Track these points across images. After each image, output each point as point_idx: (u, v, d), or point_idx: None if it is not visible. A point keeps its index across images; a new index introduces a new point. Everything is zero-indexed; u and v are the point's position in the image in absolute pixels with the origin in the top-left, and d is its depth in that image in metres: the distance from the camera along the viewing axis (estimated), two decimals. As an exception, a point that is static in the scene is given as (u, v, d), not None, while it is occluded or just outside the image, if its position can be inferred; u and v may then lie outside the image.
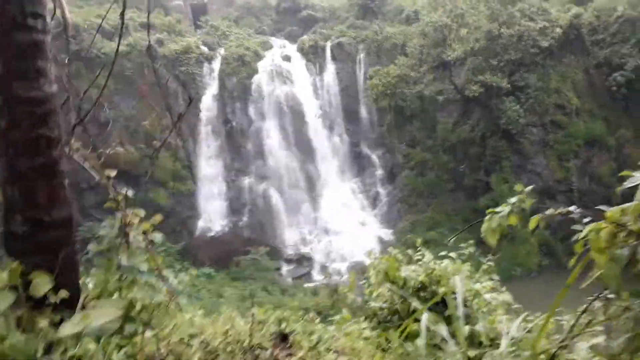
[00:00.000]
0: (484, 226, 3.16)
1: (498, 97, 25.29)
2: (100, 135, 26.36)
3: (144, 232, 3.45)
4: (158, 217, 3.50)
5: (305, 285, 24.12)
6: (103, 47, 26.86)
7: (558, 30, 25.08)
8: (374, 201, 30.89)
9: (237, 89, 29.99)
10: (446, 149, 29.03)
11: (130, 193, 3.27)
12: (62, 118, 2.97)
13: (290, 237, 28.56)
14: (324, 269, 27.16)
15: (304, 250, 28.05)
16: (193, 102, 29.46)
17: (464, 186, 28.23)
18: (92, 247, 3.38)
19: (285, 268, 26.80)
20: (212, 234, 27.37)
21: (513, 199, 2.89)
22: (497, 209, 3.41)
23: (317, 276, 26.61)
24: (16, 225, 2.84)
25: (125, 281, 3.35)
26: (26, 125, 2.77)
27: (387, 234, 28.80)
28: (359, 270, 25.15)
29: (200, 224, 28.19)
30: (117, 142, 26.21)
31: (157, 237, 3.65)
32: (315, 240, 28.87)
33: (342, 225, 28.97)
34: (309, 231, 29.28)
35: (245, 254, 24.54)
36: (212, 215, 28.63)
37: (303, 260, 27.31)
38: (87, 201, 26.04)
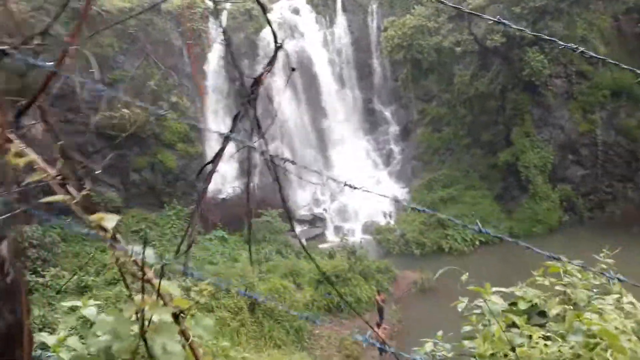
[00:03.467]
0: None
1: (520, 47, 24.64)
2: (104, 97, 26.35)
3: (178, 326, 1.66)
4: (184, 302, 1.71)
5: (320, 246, 24.43)
6: (104, 4, 26.48)
7: (585, -28, 24.11)
8: (387, 159, 30.81)
9: (244, 45, 29.57)
10: (463, 102, 28.60)
11: (157, 262, 1.64)
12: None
13: (302, 197, 28.76)
14: (337, 229, 27.45)
15: (317, 210, 28.29)
16: (198, 59, 29.18)
17: (481, 142, 27.95)
18: None
19: (298, 229, 27.13)
20: (223, 196, 27.63)
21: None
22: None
23: (331, 237, 26.93)
24: None
25: None
26: None
27: (401, 192, 28.84)
28: (374, 230, 25.35)
29: (211, 186, 28.39)
30: (121, 103, 26.21)
31: (206, 327, 1.89)
32: (328, 200, 29.05)
33: (355, 184, 29.03)
34: (321, 191, 29.43)
35: (258, 217, 24.80)
36: (223, 177, 28.83)
37: (316, 220, 27.59)
38: (96, 164, 26.29)
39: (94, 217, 1.62)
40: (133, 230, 24.27)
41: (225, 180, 28.70)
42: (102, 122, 25.56)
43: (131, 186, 26.84)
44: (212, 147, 29.05)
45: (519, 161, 25.09)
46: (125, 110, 25.78)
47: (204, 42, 29.34)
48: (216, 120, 29.39)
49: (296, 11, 31.52)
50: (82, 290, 17.41)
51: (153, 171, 27.11)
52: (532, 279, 3.10)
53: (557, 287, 2.88)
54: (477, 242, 23.56)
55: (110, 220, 1.62)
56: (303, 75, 30.28)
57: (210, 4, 30.19)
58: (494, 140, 27.47)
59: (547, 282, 3.00)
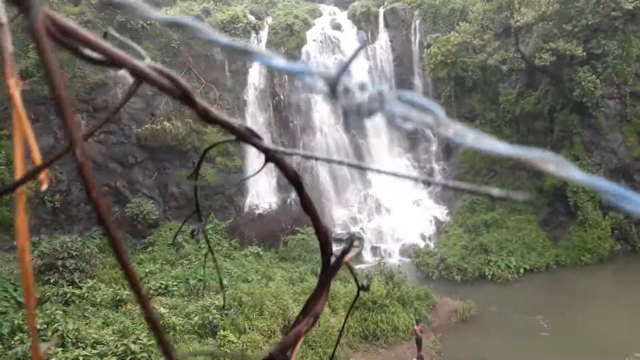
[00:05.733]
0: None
1: (570, 66, 24.08)
2: (146, 109, 27.18)
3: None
4: None
5: (357, 267, 24.26)
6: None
7: (644, -11, 23.39)
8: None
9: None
10: (508, 122, 28.08)
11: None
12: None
13: (339, 215, 28.70)
14: (374, 250, 27.20)
15: (354, 229, 28.13)
16: (239, 74, 29.77)
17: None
18: None
19: (334, 248, 26.98)
20: (259, 211, 27.88)
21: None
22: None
23: (368, 258, 26.70)
24: None
25: None
26: None
27: (442, 213, 28.40)
28: (412, 253, 24.98)
29: (248, 200, 28.76)
30: (164, 116, 26.96)
31: None
32: (366, 218, 28.87)
33: (394, 204, 28.81)
34: (358, 209, 29.30)
35: (294, 233, 24.85)
36: (260, 192, 29.13)
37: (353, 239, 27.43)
38: (135, 176, 27.09)
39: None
40: (169, 244, 24.72)
41: (261, 195, 28.98)
42: (143, 133, 26.34)
43: (170, 199, 27.42)
44: (251, 160, 29.46)
45: (567, 186, 24.35)
46: (167, 123, 26.52)
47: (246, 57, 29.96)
48: (255, 135, 29.81)
49: (338, 27, 31.86)
50: (117, 303, 17.71)
51: (191, 185, 27.63)
52: None
53: None
54: (522, 270, 22.90)
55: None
56: (343, 91, 30.42)
57: (253, 18, 30.91)
58: (541, 162, 26.80)
59: None
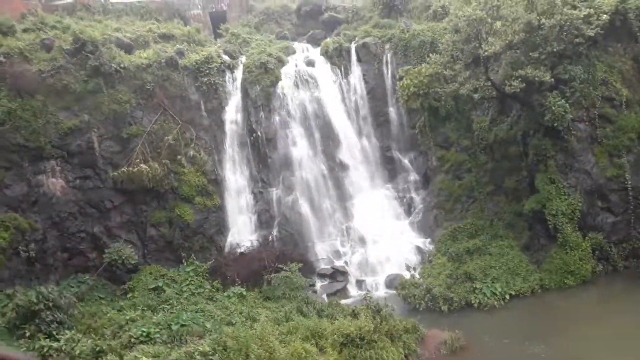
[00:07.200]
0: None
1: (540, 92, 24.72)
2: (122, 152, 26.97)
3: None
4: None
5: (343, 301, 23.90)
6: (122, 61, 27.57)
7: (604, 17, 24.31)
8: (408, 208, 30.60)
9: (261, 97, 30.30)
10: (483, 149, 28.57)
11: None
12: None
13: (322, 249, 28.52)
14: (360, 283, 26.99)
15: (338, 263, 27.94)
16: (215, 112, 29.88)
17: (504, 189, 27.66)
18: None
19: (319, 284, 26.72)
20: (241, 249, 27.54)
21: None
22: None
23: (354, 292, 26.45)
24: None
25: None
26: None
27: (425, 243, 28.44)
28: (398, 285, 24.81)
29: (229, 239, 28.42)
30: (140, 158, 26.77)
31: None
32: (349, 252, 28.73)
33: (376, 236, 28.76)
34: (341, 242, 29.18)
35: (277, 271, 24.50)
36: (241, 229, 28.86)
37: (337, 274, 27.18)
38: (112, 221, 26.66)
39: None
40: (150, 288, 24.17)
41: (242, 233, 28.69)
42: (119, 177, 26.08)
43: (149, 242, 26.97)
44: (231, 199, 29.28)
45: (545, 209, 24.64)
46: (143, 166, 26.32)
47: (221, 95, 30.16)
48: (234, 171, 29.76)
49: (311, 63, 32.40)
50: (97, 355, 17.06)
51: (171, 226, 27.27)
52: None
53: None
54: (507, 296, 22.88)
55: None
56: (319, 125, 30.76)
57: (227, 58, 31.24)
58: (518, 187, 27.17)
59: None
